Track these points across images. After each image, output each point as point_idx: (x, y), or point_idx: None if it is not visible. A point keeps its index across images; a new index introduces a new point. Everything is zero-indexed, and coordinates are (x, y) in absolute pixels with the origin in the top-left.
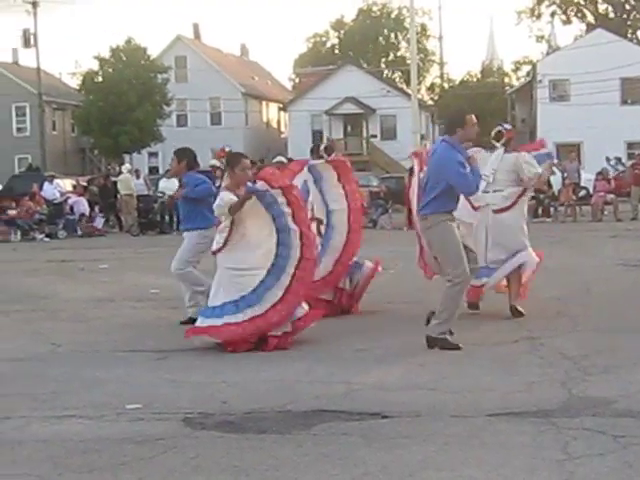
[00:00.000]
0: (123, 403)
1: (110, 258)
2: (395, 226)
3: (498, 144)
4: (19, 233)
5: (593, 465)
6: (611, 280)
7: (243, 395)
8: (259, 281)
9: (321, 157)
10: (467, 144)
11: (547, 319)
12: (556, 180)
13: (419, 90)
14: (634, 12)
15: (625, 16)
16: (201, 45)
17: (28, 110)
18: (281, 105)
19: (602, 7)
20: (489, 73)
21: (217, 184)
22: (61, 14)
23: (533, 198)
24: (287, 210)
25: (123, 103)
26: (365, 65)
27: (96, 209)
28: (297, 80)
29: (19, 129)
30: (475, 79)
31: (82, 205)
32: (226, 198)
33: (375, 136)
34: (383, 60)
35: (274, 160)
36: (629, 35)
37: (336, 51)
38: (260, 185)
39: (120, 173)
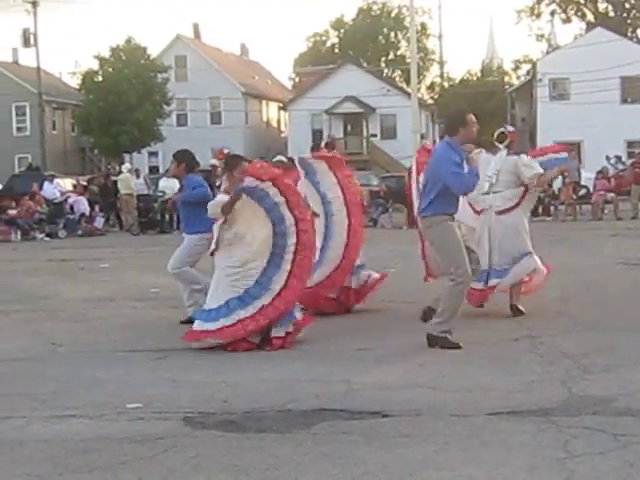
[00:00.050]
0: (123, 403)
1: (110, 257)
2: (395, 225)
3: (501, 146)
4: (19, 233)
5: (593, 464)
6: (611, 279)
7: (243, 394)
8: (260, 272)
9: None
10: (469, 147)
11: (547, 318)
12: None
13: (419, 89)
14: (634, 11)
15: (625, 15)
16: (201, 44)
17: (28, 110)
18: (281, 104)
19: (602, 6)
20: (489, 72)
21: (218, 183)
22: (61, 14)
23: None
24: (280, 199)
25: (123, 103)
26: (365, 64)
27: (96, 208)
28: (297, 79)
29: (19, 129)
30: (475, 78)
31: (82, 204)
32: (219, 199)
33: (375, 135)
34: (383, 59)
35: (274, 159)
36: (629, 34)
37: (336, 50)
38: (248, 181)
39: (120, 172)
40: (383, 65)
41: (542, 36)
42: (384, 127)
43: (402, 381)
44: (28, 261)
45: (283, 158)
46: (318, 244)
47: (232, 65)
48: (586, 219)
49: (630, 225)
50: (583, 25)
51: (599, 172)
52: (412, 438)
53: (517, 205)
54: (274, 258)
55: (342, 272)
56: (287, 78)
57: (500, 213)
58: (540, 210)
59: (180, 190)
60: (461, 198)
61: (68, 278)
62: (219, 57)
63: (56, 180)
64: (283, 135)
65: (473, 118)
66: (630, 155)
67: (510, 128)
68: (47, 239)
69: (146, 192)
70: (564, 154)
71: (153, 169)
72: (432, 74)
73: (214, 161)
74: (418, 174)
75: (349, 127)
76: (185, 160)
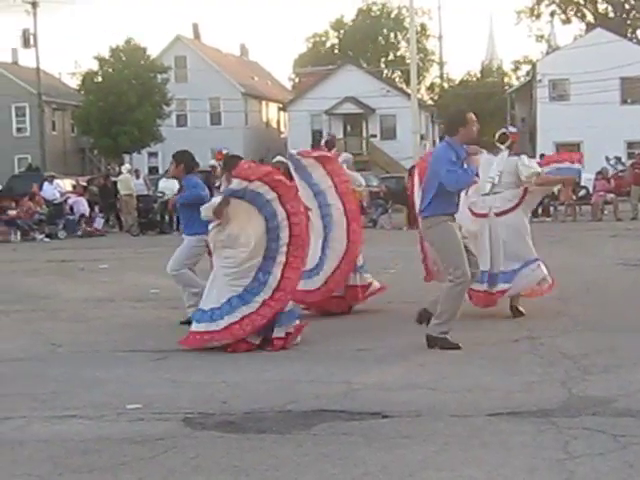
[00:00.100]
0: (123, 403)
1: (110, 258)
2: (395, 226)
3: (502, 146)
4: (19, 233)
5: (593, 464)
6: (611, 280)
7: (243, 395)
8: (257, 269)
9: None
10: (475, 149)
11: (547, 319)
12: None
13: (419, 90)
14: (634, 11)
15: (625, 16)
16: (201, 45)
17: (28, 110)
18: (281, 105)
19: (602, 7)
20: (489, 73)
21: (217, 184)
22: (61, 14)
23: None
24: (272, 196)
25: (123, 103)
26: (365, 65)
27: (96, 209)
28: (297, 80)
29: (19, 129)
30: (475, 79)
31: (82, 205)
32: (212, 201)
33: (375, 136)
34: (383, 60)
35: (274, 160)
36: (629, 35)
37: (336, 51)
38: (236, 183)
39: (120, 173)
40: (383, 66)
41: (542, 37)
42: (384, 128)
43: (402, 382)
44: (28, 261)
45: (283, 159)
46: (319, 242)
47: (232, 66)
48: (586, 220)
49: (630, 226)
50: (583, 26)
51: (599, 173)
52: (412, 439)
53: (517, 206)
54: (269, 253)
55: (346, 268)
56: (287, 79)
57: (500, 214)
58: (540, 211)
59: (179, 191)
60: (461, 201)
61: (68, 278)
62: (219, 58)
63: (56, 181)
64: (283, 136)
65: (473, 117)
66: (630, 156)
67: (512, 129)
68: (47, 240)
69: (146, 193)
70: (577, 166)
71: (153, 170)
72: (432, 75)
73: (214, 162)
74: (421, 178)
75: (349, 128)
76: (184, 161)
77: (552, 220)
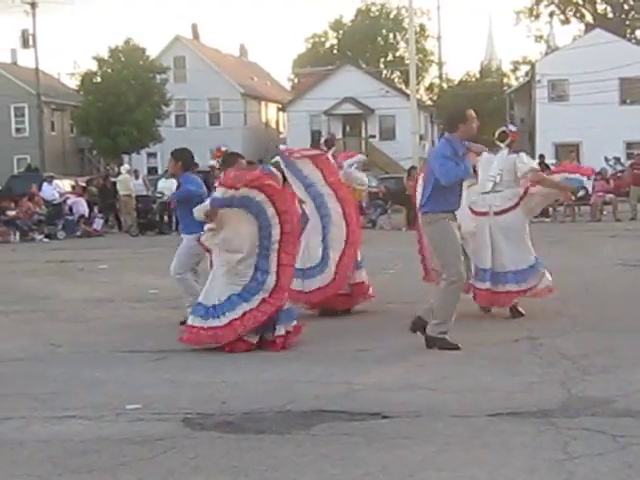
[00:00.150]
0: (123, 403)
1: (109, 258)
2: (394, 226)
3: (502, 145)
4: (18, 234)
5: (593, 465)
6: (610, 280)
7: (242, 395)
8: (254, 268)
9: (322, 150)
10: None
11: (547, 319)
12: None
13: (418, 90)
14: (633, 12)
15: (624, 16)
16: (200, 45)
17: (27, 111)
18: (280, 105)
19: (601, 7)
20: (488, 73)
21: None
22: (60, 15)
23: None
24: (260, 197)
25: (122, 103)
26: (364, 65)
27: (95, 210)
28: (296, 80)
29: (18, 130)
30: (474, 79)
31: (81, 206)
32: (206, 203)
33: (374, 136)
34: (382, 60)
35: (272, 160)
36: (628, 35)
37: (335, 51)
38: (222, 192)
39: (119, 174)
40: (382, 66)
41: (541, 37)
42: (383, 128)
43: (402, 382)
44: (27, 262)
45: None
46: (318, 238)
47: (231, 66)
48: (585, 220)
49: (629, 226)
50: (582, 26)
51: (598, 173)
52: (412, 439)
53: (516, 205)
54: (262, 250)
55: (347, 261)
56: (286, 79)
57: (499, 213)
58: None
59: (177, 189)
60: (463, 200)
61: (67, 279)
62: (218, 58)
63: (55, 181)
64: (282, 136)
65: (473, 114)
66: (629, 156)
67: (512, 127)
68: (46, 240)
69: (145, 193)
70: (584, 178)
71: (152, 170)
72: (431, 75)
73: (213, 162)
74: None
75: (348, 128)
76: (183, 158)
77: (551, 220)
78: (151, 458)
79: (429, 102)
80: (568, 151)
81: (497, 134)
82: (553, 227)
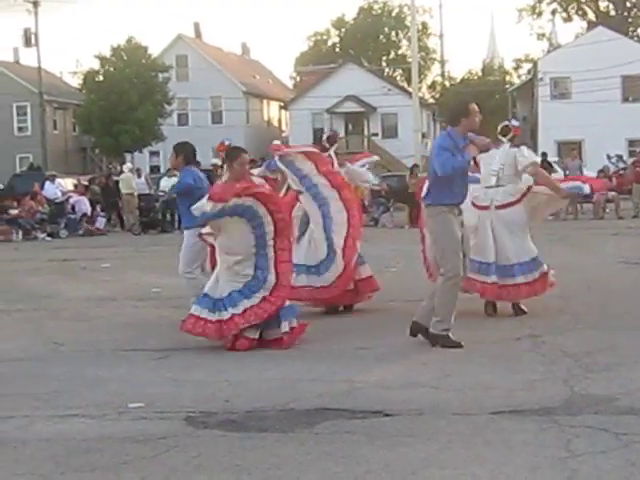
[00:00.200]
0: (125, 402)
1: (112, 257)
2: (396, 224)
3: (504, 139)
4: (21, 232)
5: (595, 463)
6: (613, 278)
7: (245, 394)
8: (254, 267)
9: (323, 147)
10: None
11: (549, 317)
12: (557, 178)
13: (420, 88)
14: (635, 9)
15: (626, 14)
16: (202, 44)
17: (29, 109)
18: (282, 104)
19: (603, 4)
20: (490, 71)
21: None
22: (62, 13)
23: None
24: (251, 201)
25: (124, 102)
26: (366, 63)
27: (97, 208)
28: (298, 79)
29: (20, 128)
30: (476, 77)
31: (84, 204)
32: (203, 200)
33: (376, 134)
34: (384, 58)
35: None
36: (630, 33)
37: (337, 49)
38: (211, 207)
39: (121, 172)
40: (384, 64)
41: (543, 35)
42: (385, 126)
43: (404, 380)
44: (30, 261)
45: None
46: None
47: (233, 64)
48: (587, 218)
49: (631, 224)
50: (584, 24)
51: (600, 171)
52: (415, 437)
53: (518, 201)
54: (259, 250)
55: (352, 244)
56: (288, 77)
57: (500, 207)
58: None
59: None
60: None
61: (70, 277)
62: (220, 56)
63: (57, 180)
64: (284, 134)
65: (475, 108)
66: (631, 154)
67: (515, 122)
68: (48, 239)
69: (147, 192)
70: (583, 186)
71: (154, 168)
72: (433, 73)
73: (215, 160)
74: None
75: (350, 126)
76: (184, 152)
77: (553, 218)
78: (154, 457)
79: (431, 100)
80: (570, 149)
81: (500, 128)
82: (555, 225)
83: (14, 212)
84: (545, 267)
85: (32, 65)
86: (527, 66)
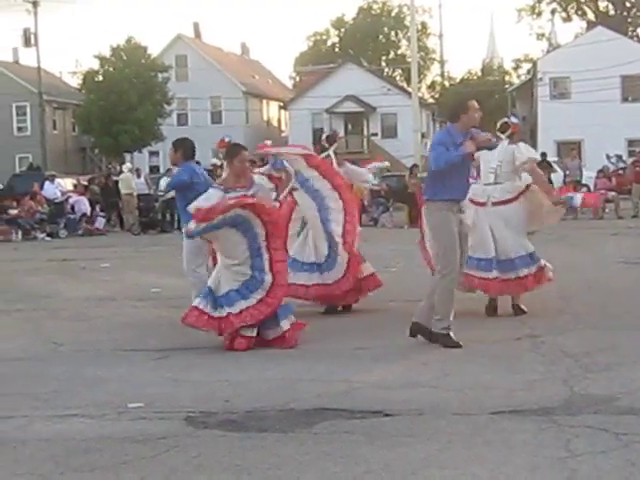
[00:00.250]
0: (125, 402)
1: (111, 257)
2: (396, 224)
3: (503, 136)
4: (20, 232)
5: (595, 463)
6: (612, 278)
7: (245, 394)
8: (250, 269)
9: (323, 147)
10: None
11: (549, 317)
12: (557, 178)
13: (420, 88)
14: (634, 9)
15: (625, 13)
16: (201, 44)
17: (29, 109)
18: (282, 103)
19: (602, 4)
20: (489, 71)
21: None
22: (61, 13)
23: None
24: (236, 210)
25: (124, 102)
26: (365, 63)
27: (97, 208)
28: (297, 78)
29: (20, 128)
30: (475, 77)
31: (83, 204)
32: (203, 198)
33: (376, 134)
34: (383, 58)
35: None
36: (629, 33)
37: (336, 49)
38: (194, 226)
39: (121, 172)
40: (384, 64)
41: (543, 35)
42: (385, 126)
43: (403, 380)
44: (29, 261)
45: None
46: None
47: (233, 64)
48: (587, 218)
49: (631, 224)
50: (584, 24)
51: (600, 171)
52: (414, 437)
53: (515, 199)
54: (253, 252)
55: (351, 230)
56: (288, 77)
57: (497, 204)
58: None
59: None
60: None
61: (69, 277)
62: (220, 56)
63: (57, 180)
64: (284, 134)
65: (475, 105)
66: (631, 154)
67: (514, 119)
68: (48, 239)
69: (147, 192)
70: (574, 197)
71: (154, 168)
72: (433, 73)
73: (215, 160)
74: None
75: (350, 126)
76: (183, 147)
77: None
78: (153, 457)
79: (431, 100)
80: (570, 149)
81: (499, 125)
82: (555, 225)
83: (14, 212)
84: (542, 262)
85: (32, 65)
86: (527, 66)
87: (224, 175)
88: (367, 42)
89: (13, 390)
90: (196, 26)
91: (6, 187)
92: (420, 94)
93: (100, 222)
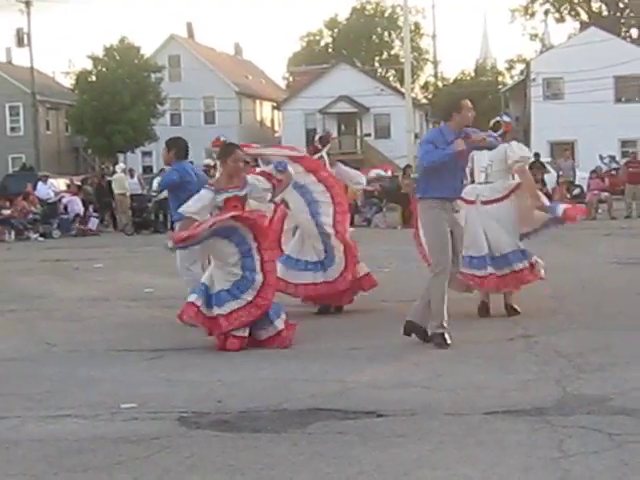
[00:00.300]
0: (118, 402)
1: (104, 257)
2: (389, 225)
3: (493, 133)
4: (13, 233)
5: (588, 463)
6: (605, 278)
7: (238, 394)
8: (241, 269)
9: (316, 148)
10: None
11: (542, 317)
12: (550, 178)
13: (413, 89)
14: (627, 10)
15: (619, 14)
16: (195, 44)
17: (21, 110)
18: (275, 104)
19: (595, 5)
20: (483, 72)
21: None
22: (54, 13)
23: None
24: (232, 223)
25: (117, 102)
26: (359, 64)
27: (90, 209)
28: (291, 79)
29: (12, 129)
30: (469, 77)
31: (76, 205)
32: (194, 199)
33: (369, 135)
34: (377, 59)
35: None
36: (623, 33)
37: (330, 50)
38: (172, 247)
39: (114, 172)
40: (377, 65)
41: (536, 36)
42: (378, 127)
43: (396, 380)
44: (22, 261)
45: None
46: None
47: (226, 65)
48: (580, 218)
49: (624, 224)
50: (577, 24)
51: (593, 171)
52: (407, 437)
53: (504, 198)
54: (243, 254)
55: (343, 220)
56: (281, 77)
57: (486, 203)
58: None
59: None
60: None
61: (62, 278)
62: (213, 57)
63: (50, 180)
64: (277, 135)
65: (468, 104)
66: (624, 154)
67: (506, 118)
68: (41, 239)
69: (140, 192)
70: (557, 209)
71: (147, 169)
72: (426, 74)
73: (208, 161)
74: None
75: (343, 127)
76: (175, 147)
77: None
78: (147, 457)
79: (424, 100)
80: (563, 149)
81: (491, 123)
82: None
83: (6, 212)
84: (534, 258)
85: (24, 65)
86: (520, 67)
87: (218, 174)
88: (360, 42)
89: (6, 390)
90: (189, 26)
91: None
92: (413, 94)
93: (93, 222)
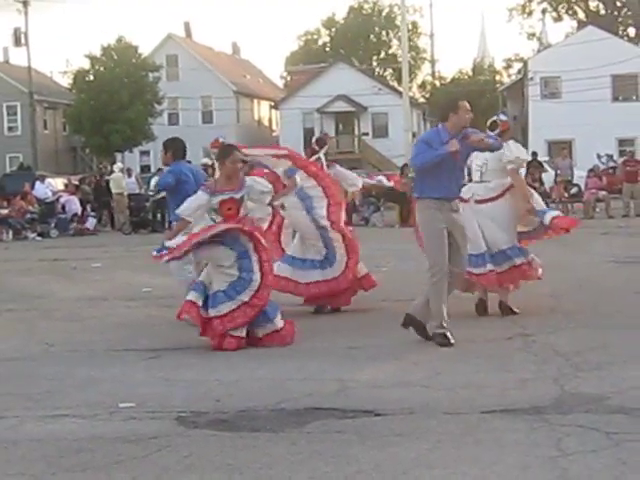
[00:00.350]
0: (116, 402)
1: (102, 257)
2: (387, 224)
3: (492, 134)
4: (11, 232)
5: (586, 462)
6: (604, 277)
7: (237, 393)
8: (239, 269)
9: (313, 150)
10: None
11: (540, 316)
12: (548, 177)
13: (410, 88)
14: (625, 9)
15: (616, 13)
16: (192, 43)
17: (19, 109)
18: (272, 103)
19: (593, 4)
20: (480, 71)
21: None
22: (52, 13)
23: None
24: (227, 227)
25: (114, 102)
26: (356, 63)
27: (88, 208)
28: (288, 78)
29: (10, 128)
30: (466, 77)
31: (74, 204)
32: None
33: (367, 134)
34: (374, 58)
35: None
36: (620, 32)
37: (327, 49)
38: (166, 261)
39: (112, 172)
40: (374, 64)
41: (533, 34)
42: (376, 126)
43: (395, 379)
44: (20, 261)
45: None
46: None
47: (223, 64)
48: (578, 217)
49: (621, 223)
50: (574, 23)
51: (590, 170)
52: (405, 437)
53: (500, 196)
54: (240, 255)
55: (337, 211)
56: (278, 77)
57: (480, 202)
58: None
59: None
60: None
61: (61, 277)
62: (210, 56)
63: (48, 180)
64: (275, 134)
65: (466, 105)
66: (621, 153)
67: (502, 117)
68: (39, 239)
69: (138, 191)
70: (545, 214)
71: (145, 168)
72: (423, 73)
73: (206, 160)
74: None
75: (341, 126)
76: (173, 147)
77: None
78: (145, 456)
79: (422, 99)
80: (561, 148)
81: (488, 123)
82: None
83: (4, 212)
84: (531, 256)
85: (22, 65)
86: (517, 65)
87: (216, 175)
88: (358, 42)
89: (5, 390)
90: (187, 25)
91: None
92: (411, 94)
93: (91, 222)
